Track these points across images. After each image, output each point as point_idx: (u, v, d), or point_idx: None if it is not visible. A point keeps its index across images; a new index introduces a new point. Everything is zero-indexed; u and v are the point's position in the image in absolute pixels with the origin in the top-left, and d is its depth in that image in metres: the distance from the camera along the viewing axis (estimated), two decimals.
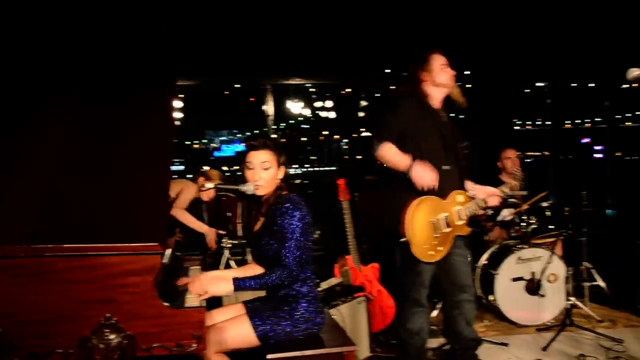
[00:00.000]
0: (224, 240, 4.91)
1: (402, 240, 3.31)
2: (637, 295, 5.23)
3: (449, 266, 3.51)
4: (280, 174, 2.96)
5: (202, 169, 5.33)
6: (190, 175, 5.63)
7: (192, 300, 2.63)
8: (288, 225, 2.78)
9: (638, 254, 5.27)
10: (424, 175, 3.26)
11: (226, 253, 4.96)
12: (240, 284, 2.74)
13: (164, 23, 5.30)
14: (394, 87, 3.66)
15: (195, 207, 5.19)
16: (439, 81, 3.49)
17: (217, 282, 2.76)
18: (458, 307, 3.53)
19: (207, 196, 5.11)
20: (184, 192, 4.98)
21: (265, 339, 2.76)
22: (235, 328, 2.76)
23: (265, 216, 2.98)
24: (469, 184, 3.63)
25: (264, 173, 2.88)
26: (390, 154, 3.34)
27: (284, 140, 16.38)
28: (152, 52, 5.56)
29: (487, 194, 3.57)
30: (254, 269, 3.09)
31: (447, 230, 3.39)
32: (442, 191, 3.39)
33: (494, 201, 3.60)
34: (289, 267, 2.76)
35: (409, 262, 3.39)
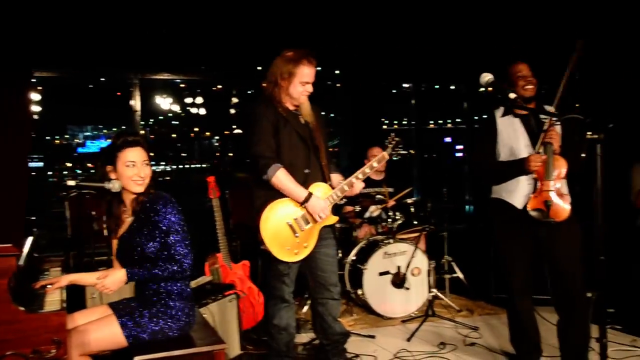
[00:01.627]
0: None
1: (262, 247, 3.32)
2: (491, 285, 5.59)
3: (315, 265, 3.56)
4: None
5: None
6: (50, 173, 5.28)
7: (52, 303, 2.49)
8: (171, 223, 2.77)
9: (493, 247, 5.63)
10: (320, 210, 3.36)
11: None
12: (133, 274, 2.70)
13: (21, 8, 4.98)
14: (265, 85, 3.58)
15: (58, 205, 4.88)
16: (291, 93, 3.45)
17: (113, 273, 2.71)
18: (323, 304, 3.60)
19: None
20: None
21: (134, 339, 2.68)
22: (101, 329, 2.65)
23: (134, 215, 2.89)
24: (336, 180, 3.60)
25: (147, 170, 2.85)
26: (286, 182, 3.32)
27: (153, 137, 15.93)
28: (6, 41, 5.22)
29: (350, 183, 3.52)
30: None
31: (309, 226, 3.42)
32: None
33: (357, 187, 3.54)
34: (179, 262, 2.74)
35: (273, 261, 3.41)
